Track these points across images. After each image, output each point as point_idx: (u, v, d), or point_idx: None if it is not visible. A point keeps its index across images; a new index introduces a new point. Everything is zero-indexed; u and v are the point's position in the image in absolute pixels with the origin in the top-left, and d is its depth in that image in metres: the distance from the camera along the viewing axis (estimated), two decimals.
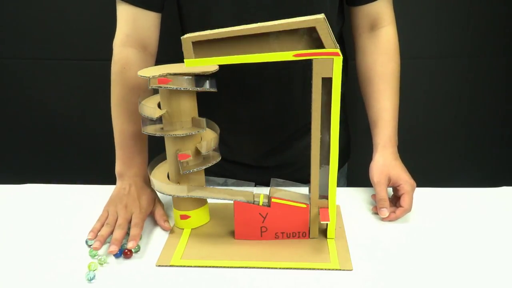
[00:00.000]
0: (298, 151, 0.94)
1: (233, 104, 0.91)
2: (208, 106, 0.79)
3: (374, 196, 0.86)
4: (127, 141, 0.84)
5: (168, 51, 0.88)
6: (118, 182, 0.85)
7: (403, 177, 0.83)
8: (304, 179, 0.76)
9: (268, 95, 0.88)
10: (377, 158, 0.86)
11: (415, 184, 0.83)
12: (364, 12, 0.90)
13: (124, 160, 0.85)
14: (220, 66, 0.71)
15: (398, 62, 0.90)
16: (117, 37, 0.85)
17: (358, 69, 0.94)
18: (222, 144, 0.80)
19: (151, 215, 0.82)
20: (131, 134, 0.84)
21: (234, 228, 0.76)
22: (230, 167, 0.94)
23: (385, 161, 0.85)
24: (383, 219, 0.81)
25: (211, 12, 0.82)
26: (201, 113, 0.75)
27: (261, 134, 0.93)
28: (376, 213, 0.83)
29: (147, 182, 0.83)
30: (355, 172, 1.06)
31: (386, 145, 0.86)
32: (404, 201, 0.81)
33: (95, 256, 0.72)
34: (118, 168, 0.85)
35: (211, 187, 0.78)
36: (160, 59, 0.87)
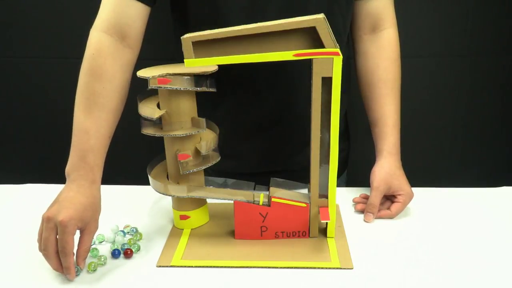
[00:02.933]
0: (304, 153, 0.94)
1: (232, 104, 0.91)
2: (207, 106, 0.79)
3: (363, 195, 0.88)
4: (81, 135, 0.74)
5: (167, 51, 0.88)
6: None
7: (405, 188, 0.84)
8: (304, 179, 0.76)
9: (268, 94, 0.88)
10: (382, 164, 0.86)
11: (413, 196, 0.84)
12: (366, 9, 0.89)
13: (73, 158, 0.74)
14: (220, 66, 0.71)
15: (399, 66, 0.90)
16: (95, 21, 0.78)
17: (359, 72, 0.93)
18: (222, 157, 0.79)
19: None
20: (85, 129, 0.74)
21: (234, 228, 0.76)
22: (230, 176, 0.92)
23: (390, 169, 0.85)
24: (365, 220, 0.82)
25: (221, 13, 0.81)
26: (200, 113, 0.75)
27: (261, 134, 0.93)
28: (358, 211, 0.85)
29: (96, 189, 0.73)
30: (354, 176, 1.06)
31: (391, 152, 0.86)
32: (395, 207, 0.82)
33: (95, 256, 0.72)
34: (67, 167, 0.74)
35: (211, 187, 0.78)
36: (159, 59, 0.87)
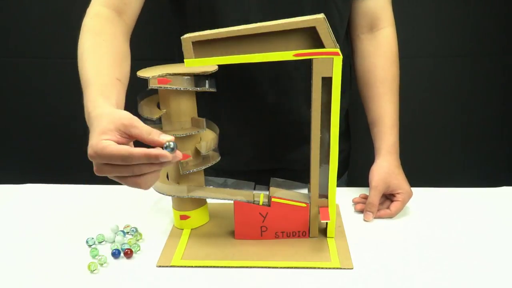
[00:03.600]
0: (302, 150, 0.94)
1: (232, 104, 0.91)
2: (207, 106, 0.79)
3: (363, 195, 0.88)
4: (110, 81, 0.65)
5: (167, 51, 0.88)
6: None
7: (404, 187, 0.84)
8: (302, 177, 0.76)
9: (268, 94, 0.88)
10: (381, 163, 0.86)
11: (412, 194, 0.84)
12: (364, 9, 0.89)
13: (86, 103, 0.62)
14: (220, 66, 0.71)
15: (398, 65, 0.90)
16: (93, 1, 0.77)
17: (357, 72, 0.93)
18: (222, 154, 0.79)
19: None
20: (92, 73, 0.66)
21: (234, 228, 0.76)
22: (229, 176, 0.91)
23: (389, 168, 0.85)
24: (364, 219, 0.82)
25: (218, 11, 0.81)
26: (200, 113, 0.75)
27: (258, 132, 0.93)
28: (358, 211, 0.85)
29: None
30: (355, 177, 1.06)
31: (390, 151, 0.86)
32: (394, 206, 0.82)
33: (95, 256, 0.72)
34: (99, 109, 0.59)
35: (211, 187, 0.78)
36: (158, 59, 0.87)
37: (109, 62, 0.68)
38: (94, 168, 0.57)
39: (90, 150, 0.55)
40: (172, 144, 0.55)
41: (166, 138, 0.55)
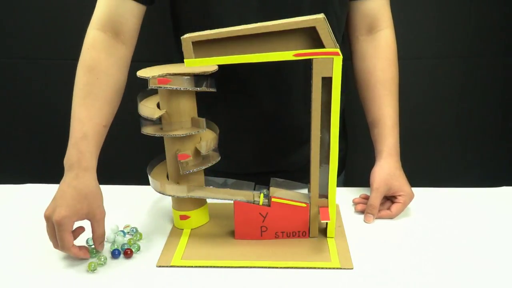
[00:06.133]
0: (299, 153, 0.94)
1: (232, 104, 0.91)
2: (207, 106, 0.79)
3: (363, 195, 0.88)
4: (75, 124, 0.74)
5: (166, 52, 0.88)
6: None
7: (405, 189, 0.84)
8: (304, 179, 0.76)
9: (268, 95, 0.88)
10: (382, 165, 0.85)
11: (413, 196, 0.84)
12: (362, 10, 0.89)
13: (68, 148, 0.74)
14: (220, 66, 0.71)
15: (397, 66, 0.90)
16: (91, 20, 0.80)
17: (357, 73, 0.93)
18: (222, 157, 0.79)
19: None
20: (80, 118, 0.74)
21: (234, 228, 0.76)
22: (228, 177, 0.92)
23: (390, 170, 0.85)
24: (365, 221, 0.82)
25: (214, 13, 0.81)
26: (200, 114, 0.75)
27: (256, 133, 0.93)
28: (358, 211, 0.85)
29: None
30: (352, 176, 1.06)
31: (391, 153, 0.86)
32: (395, 208, 0.82)
33: (95, 256, 0.72)
34: (64, 159, 0.74)
35: (211, 187, 0.78)
36: (156, 62, 0.87)
37: (100, 107, 0.75)
38: (46, 226, 0.70)
39: (51, 213, 0.68)
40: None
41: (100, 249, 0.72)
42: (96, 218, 0.71)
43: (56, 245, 0.70)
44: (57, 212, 0.68)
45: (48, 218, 0.69)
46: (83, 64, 0.77)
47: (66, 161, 0.73)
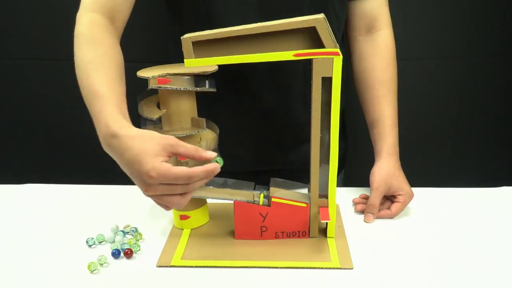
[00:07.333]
0: (299, 152, 0.94)
1: (232, 103, 0.91)
2: (207, 106, 0.79)
3: (363, 195, 0.88)
4: (123, 97, 0.66)
5: (163, 54, 0.88)
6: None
7: (405, 188, 0.84)
8: (304, 178, 0.76)
9: (268, 94, 0.88)
10: (382, 164, 0.85)
11: (413, 196, 0.84)
12: (361, 10, 0.89)
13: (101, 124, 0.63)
14: (220, 66, 0.71)
15: (396, 66, 0.90)
16: (83, 2, 0.75)
17: (356, 74, 0.93)
18: (222, 156, 0.78)
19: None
20: (123, 94, 0.67)
21: (234, 228, 0.76)
22: (228, 176, 0.90)
23: (390, 169, 0.85)
24: (365, 221, 0.82)
25: (215, 12, 0.81)
26: (200, 113, 0.75)
27: (256, 132, 0.93)
28: (358, 211, 0.85)
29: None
30: (351, 176, 1.06)
31: (391, 153, 0.86)
32: (395, 207, 0.83)
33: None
34: (100, 137, 0.63)
35: (211, 187, 0.78)
36: (154, 62, 0.87)
37: (117, 75, 0.68)
38: (145, 188, 0.59)
39: (152, 173, 0.57)
40: (219, 160, 0.64)
41: (212, 154, 0.63)
42: (171, 143, 0.60)
43: (182, 199, 0.61)
44: (156, 170, 0.57)
45: (153, 187, 0.58)
46: (85, 38, 0.70)
47: (104, 137, 0.61)
